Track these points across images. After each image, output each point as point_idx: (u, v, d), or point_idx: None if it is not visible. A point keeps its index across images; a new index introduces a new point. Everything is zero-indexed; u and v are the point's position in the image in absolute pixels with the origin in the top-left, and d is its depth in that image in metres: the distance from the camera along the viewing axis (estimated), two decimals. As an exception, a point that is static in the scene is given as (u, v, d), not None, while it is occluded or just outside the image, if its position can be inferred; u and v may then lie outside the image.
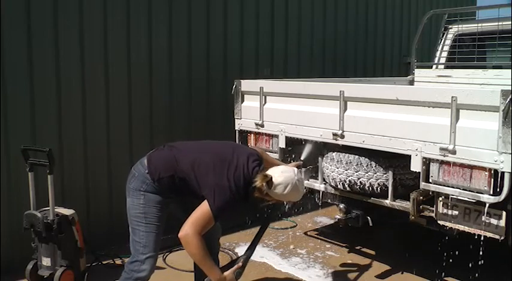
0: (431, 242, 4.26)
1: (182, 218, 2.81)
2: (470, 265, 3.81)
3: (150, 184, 2.89)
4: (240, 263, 2.98)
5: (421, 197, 3.55)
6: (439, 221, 3.43)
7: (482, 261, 3.55)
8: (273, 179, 2.78)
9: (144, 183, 2.90)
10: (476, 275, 3.89)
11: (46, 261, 3.83)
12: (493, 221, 3.14)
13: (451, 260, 3.99)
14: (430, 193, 3.47)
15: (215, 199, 2.73)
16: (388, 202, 3.73)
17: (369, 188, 3.78)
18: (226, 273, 2.85)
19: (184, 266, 4.13)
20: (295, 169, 2.89)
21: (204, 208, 2.75)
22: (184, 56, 5.24)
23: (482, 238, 3.25)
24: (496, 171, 2.92)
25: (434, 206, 3.44)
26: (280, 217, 3.36)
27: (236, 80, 4.71)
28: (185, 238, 2.69)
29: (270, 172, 2.84)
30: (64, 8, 4.35)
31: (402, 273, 4.21)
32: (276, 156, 4.37)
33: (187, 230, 2.69)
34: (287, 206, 3.31)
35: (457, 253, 3.88)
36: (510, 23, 4.86)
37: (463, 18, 6.15)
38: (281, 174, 2.81)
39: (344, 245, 4.85)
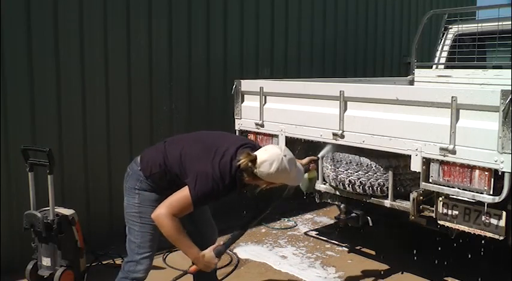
0: (431, 242, 4.26)
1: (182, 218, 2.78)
2: (470, 265, 3.81)
3: (144, 181, 2.85)
4: (221, 242, 2.87)
5: (421, 197, 3.55)
6: (439, 221, 3.43)
7: (482, 261, 3.55)
8: (257, 157, 2.62)
9: (138, 181, 2.87)
10: (478, 277, 3.89)
11: (46, 261, 3.83)
12: (493, 221, 3.14)
13: (451, 260, 3.99)
14: (430, 193, 3.47)
15: (196, 185, 2.63)
16: (388, 202, 3.73)
17: (369, 188, 3.78)
18: (204, 251, 2.75)
19: (184, 267, 4.12)
20: (284, 147, 2.73)
21: (184, 192, 2.65)
22: (185, 56, 5.24)
23: (482, 238, 3.25)
24: (496, 171, 2.92)
25: (434, 206, 3.44)
26: (281, 201, 3.06)
27: (236, 80, 4.71)
28: (157, 219, 2.63)
29: (256, 152, 2.69)
30: (64, 8, 4.35)
31: (402, 273, 4.21)
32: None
33: (161, 210, 2.62)
34: (287, 192, 3.06)
35: (456, 253, 3.88)
36: (510, 23, 4.86)
37: (463, 18, 6.15)
38: (264, 151, 2.65)
39: (344, 245, 4.85)
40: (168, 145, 2.93)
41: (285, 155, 2.64)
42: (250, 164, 2.61)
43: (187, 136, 3.06)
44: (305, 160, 3.19)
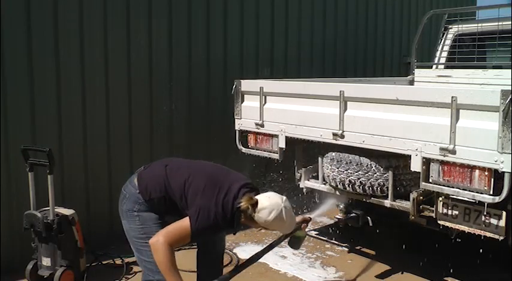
0: (431, 242, 4.26)
1: None
2: (470, 265, 3.81)
3: (143, 204, 2.84)
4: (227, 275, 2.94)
5: (421, 197, 3.55)
6: (439, 221, 3.43)
7: (481, 261, 3.55)
8: (258, 203, 2.70)
9: (136, 203, 2.84)
10: (477, 275, 3.89)
11: (46, 261, 3.83)
12: (493, 221, 3.15)
13: (451, 260, 3.99)
14: (430, 193, 3.47)
15: (198, 219, 2.66)
16: (388, 202, 3.73)
17: (369, 188, 3.78)
18: None
19: (185, 267, 4.13)
20: (284, 197, 2.79)
21: (184, 223, 2.67)
22: (185, 56, 5.24)
23: (482, 238, 3.25)
24: (496, 171, 2.92)
25: (434, 206, 3.45)
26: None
27: (236, 80, 4.71)
28: (154, 245, 2.63)
29: (258, 196, 2.76)
30: (64, 8, 4.35)
31: (402, 273, 4.21)
32: (276, 156, 4.37)
33: (159, 238, 2.63)
34: (283, 238, 3.19)
35: (456, 253, 3.88)
36: (510, 23, 4.86)
37: (463, 18, 6.15)
38: (267, 199, 2.73)
39: (344, 245, 4.84)
40: (170, 171, 2.90)
41: (284, 207, 2.72)
42: (250, 207, 2.69)
43: (189, 164, 3.03)
44: (299, 218, 3.18)
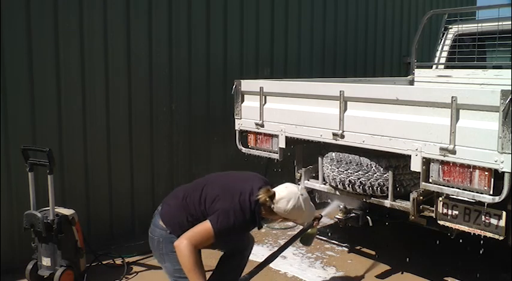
0: (431, 242, 4.26)
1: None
2: (470, 265, 3.81)
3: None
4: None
5: (421, 197, 3.55)
6: (439, 221, 3.44)
7: (481, 261, 3.55)
8: (276, 193, 2.79)
9: (172, 243, 2.83)
10: (477, 275, 3.89)
11: (46, 261, 3.83)
12: (493, 221, 3.15)
13: (451, 260, 3.99)
14: (430, 193, 3.47)
15: (218, 221, 2.73)
16: (388, 202, 3.73)
17: (369, 188, 3.78)
18: None
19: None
20: (301, 186, 2.89)
21: (206, 225, 2.74)
22: (185, 56, 5.24)
23: (482, 238, 3.25)
24: (496, 171, 2.92)
25: (434, 206, 3.45)
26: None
27: (236, 80, 4.71)
28: (179, 247, 2.71)
29: (275, 188, 2.86)
30: (64, 7, 4.35)
31: (402, 273, 4.21)
32: (276, 156, 4.37)
33: (182, 240, 2.70)
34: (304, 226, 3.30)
35: (456, 253, 3.88)
36: (510, 23, 4.86)
37: (463, 18, 6.15)
38: (284, 189, 2.82)
39: (344, 245, 4.85)
40: (187, 197, 2.92)
41: (301, 194, 2.82)
42: (268, 199, 2.77)
43: (201, 180, 3.07)
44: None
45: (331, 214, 3.99)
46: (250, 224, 2.87)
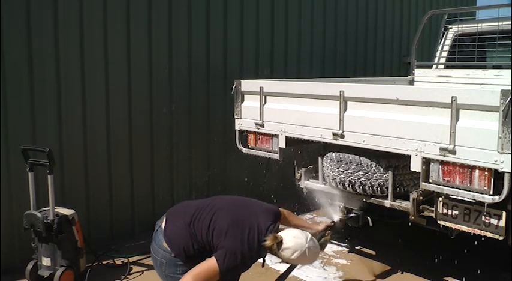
0: (431, 242, 4.26)
1: None
2: (469, 264, 3.81)
3: (183, 265, 2.82)
4: None
5: (421, 197, 3.55)
6: (439, 221, 3.43)
7: (481, 261, 3.54)
8: (283, 242, 2.76)
9: (177, 266, 2.83)
10: (478, 277, 3.89)
11: (46, 261, 3.83)
12: (493, 221, 3.14)
13: (450, 260, 3.99)
14: (430, 193, 3.47)
15: (225, 260, 2.69)
16: (388, 202, 3.73)
17: (369, 188, 3.78)
18: None
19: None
20: (309, 236, 2.84)
21: (212, 263, 2.69)
22: (185, 56, 5.24)
23: (482, 238, 3.25)
24: (496, 171, 2.92)
25: (434, 206, 3.44)
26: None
27: (236, 80, 4.71)
28: None
29: (283, 233, 2.82)
30: (64, 7, 4.35)
31: (402, 273, 4.21)
32: (276, 156, 4.36)
33: (188, 278, 2.63)
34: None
35: (456, 253, 3.88)
36: (510, 23, 4.86)
37: (463, 18, 6.15)
38: (292, 239, 2.78)
39: (344, 245, 4.84)
40: (195, 224, 2.87)
41: (308, 248, 2.79)
42: (275, 246, 2.76)
43: (211, 205, 2.98)
44: (322, 226, 3.34)
45: (342, 219, 3.98)
46: (255, 260, 2.88)
